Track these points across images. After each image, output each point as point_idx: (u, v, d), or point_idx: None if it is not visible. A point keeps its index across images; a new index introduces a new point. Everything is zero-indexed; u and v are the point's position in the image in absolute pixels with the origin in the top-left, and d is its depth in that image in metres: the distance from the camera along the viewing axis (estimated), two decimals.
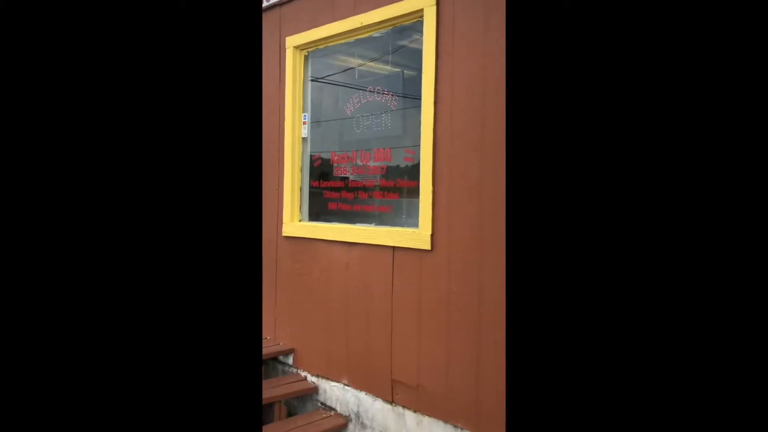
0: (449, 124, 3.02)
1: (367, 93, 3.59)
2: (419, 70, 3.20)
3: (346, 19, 3.55)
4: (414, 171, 3.25)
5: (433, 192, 3.09)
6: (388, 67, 3.54)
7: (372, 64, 3.64)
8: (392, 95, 3.44)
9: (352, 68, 3.74)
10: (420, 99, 3.18)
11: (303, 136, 3.98)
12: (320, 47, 3.86)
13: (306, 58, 3.98)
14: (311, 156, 3.98)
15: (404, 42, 3.43)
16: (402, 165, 3.37)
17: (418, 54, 3.22)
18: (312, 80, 3.99)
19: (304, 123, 3.97)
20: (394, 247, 3.31)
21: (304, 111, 3.98)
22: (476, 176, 2.91)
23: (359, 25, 3.47)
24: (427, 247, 3.11)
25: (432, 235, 3.10)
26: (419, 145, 3.17)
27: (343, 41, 3.68)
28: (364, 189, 3.60)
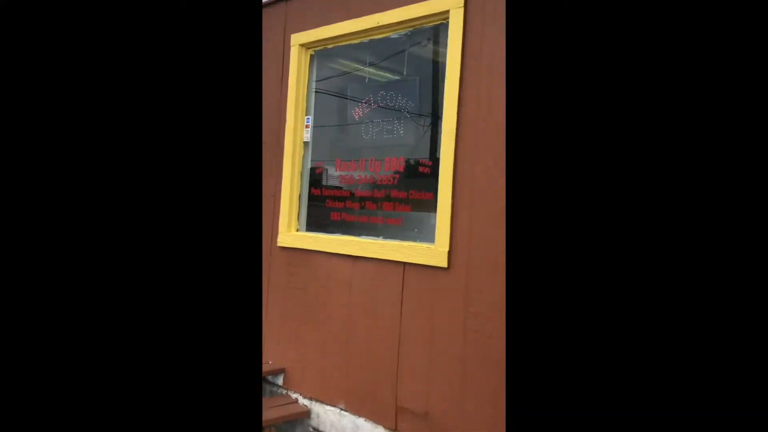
0: (474, 135, 2.82)
1: (379, 98, 3.36)
2: (439, 76, 3.00)
3: (362, 18, 3.33)
4: (430, 183, 3.04)
5: (453, 206, 2.88)
6: (404, 72, 3.33)
7: (385, 68, 3.42)
8: (407, 101, 3.23)
9: (362, 70, 3.51)
10: (440, 107, 2.98)
11: (305, 140, 3.72)
12: (329, 47, 3.63)
13: (312, 57, 3.74)
14: (313, 162, 3.73)
15: (424, 46, 3.22)
16: (416, 176, 3.15)
17: (439, 59, 3.03)
18: (317, 81, 3.75)
19: (307, 126, 3.72)
20: (404, 263, 3.07)
21: (307, 114, 3.74)
22: (498, 195, 2.70)
23: (375, 25, 3.26)
24: (444, 264, 2.89)
25: (449, 252, 2.88)
26: (438, 157, 2.96)
27: (355, 41, 3.46)
28: (373, 199, 3.36)
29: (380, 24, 3.23)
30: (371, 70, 3.47)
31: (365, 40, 3.41)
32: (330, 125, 3.71)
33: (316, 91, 3.75)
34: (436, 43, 3.13)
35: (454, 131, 2.87)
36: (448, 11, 2.93)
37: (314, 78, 3.75)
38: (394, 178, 3.25)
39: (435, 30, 3.10)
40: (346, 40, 3.50)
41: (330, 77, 3.73)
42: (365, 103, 3.43)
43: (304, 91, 3.74)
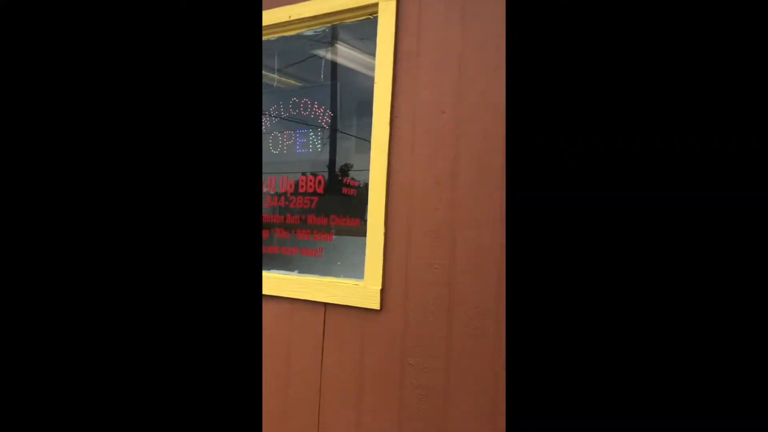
0: (410, 149, 2.37)
1: (291, 105, 2.84)
2: (366, 80, 2.53)
3: (270, 10, 2.80)
4: (357, 206, 2.55)
5: (386, 235, 2.40)
6: (321, 76, 2.83)
7: (299, 71, 2.91)
8: (325, 110, 2.73)
9: (268, 73, 2.98)
10: (366, 117, 2.51)
11: None
12: None
13: None
14: None
15: (346, 45, 2.75)
16: (339, 198, 2.66)
17: (364, 62, 2.56)
18: None
19: None
20: (326, 304, 2.55)
21: None
22: (445, 216, 2.27)
23: (287, 19, 2.74)
24: (376, 306, 2.40)
25: (382, 291, 2.39)
26: (367, 171, 2.48)
27: (262, 37, 2.92)
28: (285, 226, 2.82)
29: (292, 18, 2.72)
30: (280, 73, 2.94)
31: (273, 37, 2.88)
32: None
33: None
34: (363, 41, 2.66)
35: (387, 145, 2.41)
36: (376, 4, 2.48)
37: None
38: (311, 201, 2.73)
39: (360, 27, 2.64)
40: None
41: None
42: (273, 109, 2.90)
43: None
